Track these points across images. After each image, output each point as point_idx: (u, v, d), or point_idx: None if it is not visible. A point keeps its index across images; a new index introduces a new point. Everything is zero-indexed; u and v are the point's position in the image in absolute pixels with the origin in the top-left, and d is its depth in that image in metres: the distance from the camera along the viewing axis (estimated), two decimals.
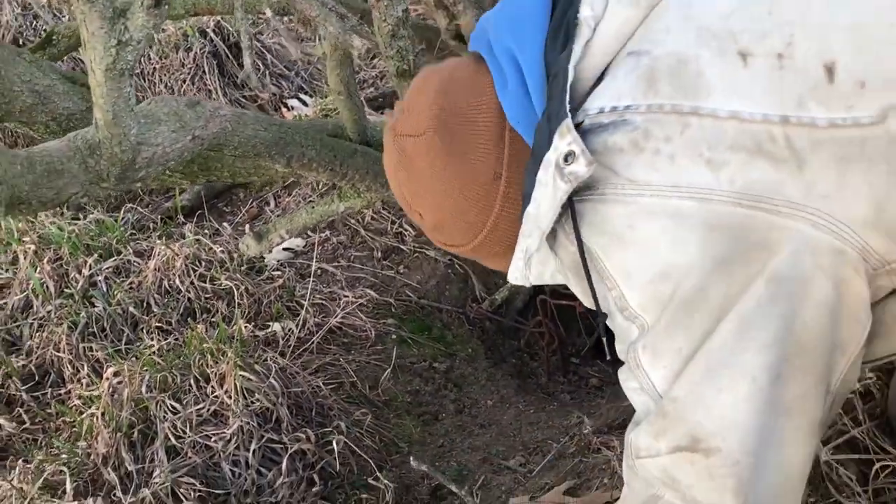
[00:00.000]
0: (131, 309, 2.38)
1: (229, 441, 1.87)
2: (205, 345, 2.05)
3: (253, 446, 1.87)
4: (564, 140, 0.86)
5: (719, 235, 0.82)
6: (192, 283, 2.43)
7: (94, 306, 2.39)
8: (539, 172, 0.90)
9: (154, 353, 2.13)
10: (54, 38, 2.05)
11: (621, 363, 0.95)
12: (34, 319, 2.42)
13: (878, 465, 1.43)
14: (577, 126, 0.88)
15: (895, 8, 0.81)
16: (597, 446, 1.90)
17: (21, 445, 2.13)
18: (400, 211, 2.77)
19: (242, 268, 2.54)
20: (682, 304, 0.84)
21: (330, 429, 1.98)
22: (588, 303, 0.98)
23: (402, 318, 2.50)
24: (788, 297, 0.81)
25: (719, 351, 0.84)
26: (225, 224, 2.90)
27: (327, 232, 2.79)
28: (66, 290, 2.47)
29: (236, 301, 2.38)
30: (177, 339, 2.25)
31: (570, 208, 0.89)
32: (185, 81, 3.45)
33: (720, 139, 0.82)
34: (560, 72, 0.90)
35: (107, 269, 2.51)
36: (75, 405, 2.13)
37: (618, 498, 1.04)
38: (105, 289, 2.46)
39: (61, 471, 1.85)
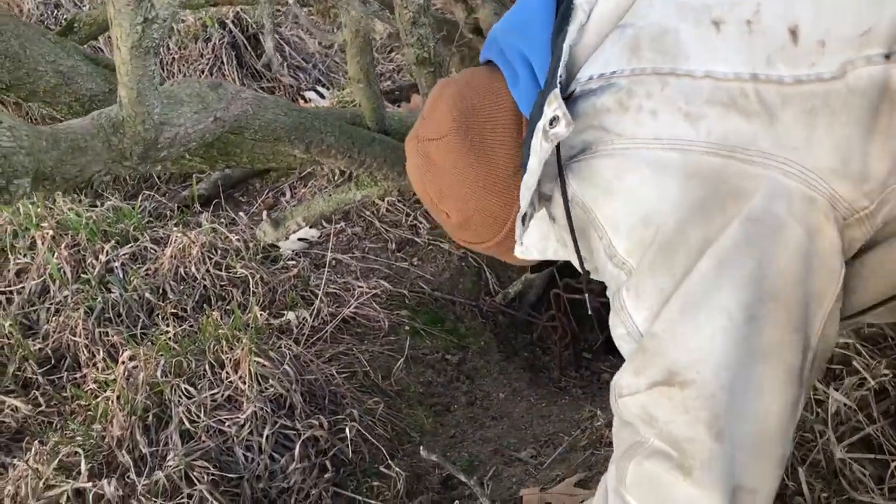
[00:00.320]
0: (147, 295, 2.40)
1: (243, 426, 1.88)
2: (220, 331, 2.07)
3: (266, 432, 1.88)
4: (551, 107, 0.94)
5: (698, 183, 0.89)
6: (207, 270, 2.44)
7: (111, 292, 2.42)
8: (532, 140, 0.98)
9: (169, 338, 2.14)
10: (76, 25, 2.06)
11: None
12: (51, 304, 2.44)
13: (894, 465, 1.43)
14: (570, 95, 0.97)
15: None
16: (608, 440, 1.90)
17: (37, 427, 2.15)
18: (415, 203, 2.77)
19: (258, 256, 2.56)
20: (664, 245, 0.91)
21: (343, 416, 1.98)
22: (578, 265, 1.06)
23: (416, 309, 2.51)
24: (763, 241, 0.87)
25: (697, 287, 0.89)
26: (241, 213, 2.92)
27: (342, 223, 2.80)
28: (82, 275, 2.49)
29: (251, 289, 2.39)
30: (192, 326, 2.27)
31: (558, 162, 0.97)
32: (203, 72, 3.46)
33: (697, 95, 0.90)
34: (557, 52, 0.99)
35: (123, 255, 2.53)
36: (91, 389, 2.15)
37: None
38: (121, 275, 2.48)
39: (76, 452, 1.86)
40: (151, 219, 2.85)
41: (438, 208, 1.15)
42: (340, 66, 3.79)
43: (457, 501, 1.82)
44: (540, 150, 0.96)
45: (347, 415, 1.99)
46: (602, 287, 1.05)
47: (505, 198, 1.09)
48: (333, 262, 2.59)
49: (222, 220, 2.83)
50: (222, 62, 3.50)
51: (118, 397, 1.95)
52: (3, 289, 2.50)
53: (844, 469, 1.48)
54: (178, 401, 1.92)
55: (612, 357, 2.56)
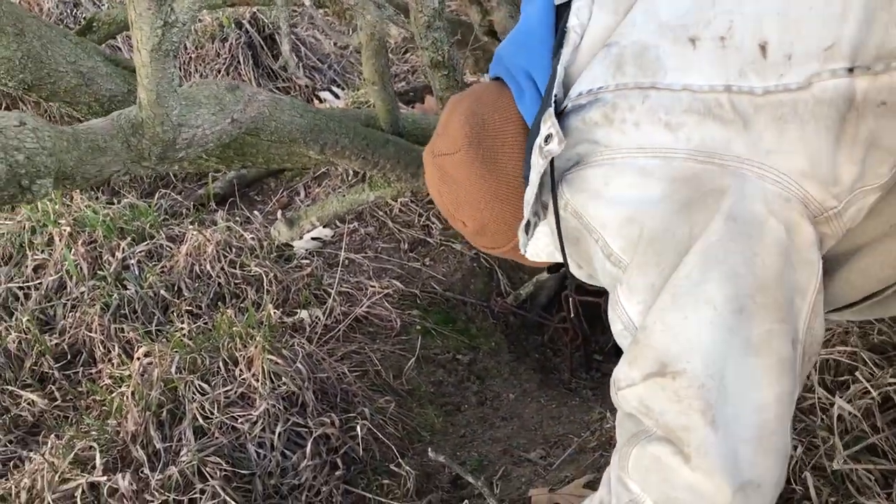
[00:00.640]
0: (162, 292, 2.43)
1: (255, 423, 1.90)
2: (234, 328, 2.09)
3: (278, 429, 1.89)
4: (546, 125, 1.02)
5: (680, 185, 0.96)
6: (222, 268, 2.47)
7: (126, 289, 2.44)
8: (531, 157, 1.05)
9: (184, 335, 2.17)
10: (94, 24, 2.09)
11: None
12: (68, 300, 2.48)
13: None
14: (562, 111, 1.05)
15: None
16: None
17: (53, 421, 2.18)
18: (427, 204, 2.79)
19: (272, 255, 2.58)
20: (651, 242, 0.97)
21: (354, 415, 2.00)
22: (575, 269, 1.16)
23: (427, 309, 2.52)
24: (745, 237, 0.93)
25: (684, 281, 0.94)
26: (256, 212, 2.94)
27: (355, 223, 2.82)
28: (99, 272, 2.52)
29: (265, 287, 2.41)
30: (206, 323, 2.29)
31: (551, 175, 1.05)
32: (220, 72, 3.49)
33: (676, 106, 0.97)
34: (553, 73, 1.07)
35: (139, 252, 2.56)
36: (106, 384, 2.17)
37: None
38: (137, 272, 2.51)
39: (91, 447, 1.88)
40: (167, 217, 2.87)
41: (456, 218, 1.23)
42: (356, 66, 3.81)
43: (466, 501, 1.83)
44: (537, 164, 1.04)
45: (359, 413, 2.01)
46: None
47: (517, 206, 1.15)
48: (346, 261, 2.61)
49: (237, 218, 2.86)
50: (239, 62, 3.53)
51: (133, 393, 1.97)
52: (20, 284, 2.53)
53: (851, 474, 1.48)
54: (192, 397, 1.95)
55: None
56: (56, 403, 2.23)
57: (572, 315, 2.45)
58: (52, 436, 2.00)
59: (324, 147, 1.64)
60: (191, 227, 2.65)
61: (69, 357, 2.36)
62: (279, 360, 1.99)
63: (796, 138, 0.92)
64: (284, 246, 2.65)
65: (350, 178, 2.93)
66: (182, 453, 1.85)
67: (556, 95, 1.05)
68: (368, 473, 1.94)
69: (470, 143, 1.14)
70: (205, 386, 1.97)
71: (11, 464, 2.04)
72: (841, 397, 1.54)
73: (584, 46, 1.07)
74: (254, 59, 3.57)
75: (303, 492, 1.85)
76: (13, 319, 2.41)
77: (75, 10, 3.71)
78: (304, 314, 2.33)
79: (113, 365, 2.24)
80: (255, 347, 1.99)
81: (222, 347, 2.05)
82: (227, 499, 1.76)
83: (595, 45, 1.07)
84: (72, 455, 1.86)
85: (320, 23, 1.88)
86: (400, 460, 1.95)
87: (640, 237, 0.98)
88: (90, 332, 2.35)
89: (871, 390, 1.52)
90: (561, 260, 1.17)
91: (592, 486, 1.77)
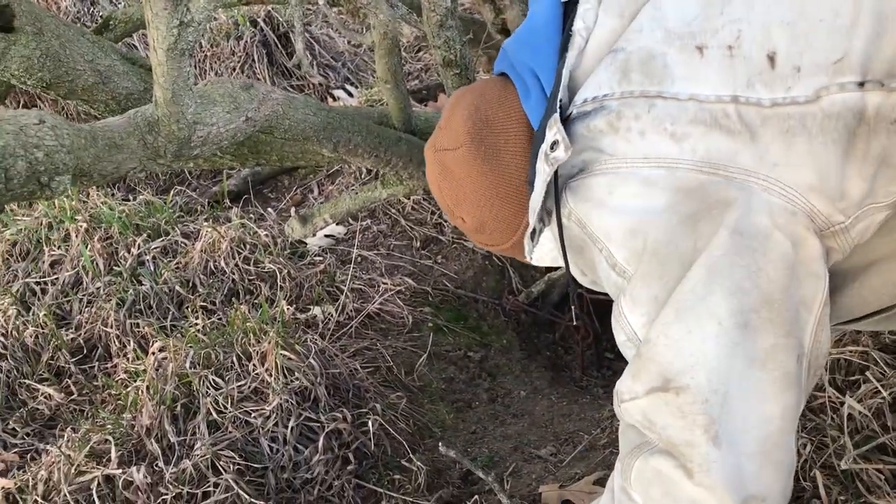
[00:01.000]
0: (177, 288, 2.46)
1: (268, 417, 1.92)
2: (247, 324, 2.11)
3: (291, 423, 1.91)
4: (552, 131, 1.00)
5: (684, 196, 0.94)
6: (236, 265, 2.49)
7: (142, 284, 2.47)
8: (537, 163, 1.04)
9: (198, 330, 2.19)
10: (111, 23, 2.11)
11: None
12: (84, 295, 2.51)
13: None
14: (567, 117, 1.03)
15: (822, 4, 0.92)
16: None
17: (69, 415, 2.21)
18: None
19: (285, 252, 2.60)
20: (655, 255, 0.95)
21: (366, 410, 2.02)
22: (579, 276, 1.15)
23: (439, 306, 2.53)
24: (750, 251, 0.91)
25: (689, 295, 0.93)
26: (269, 209, 2.96)
27: (368, 220, 2.83)
28: (115, 267, 2.55)
29: (279, 284, 2.44)
30: (220, 319, 2.31)
31: (554, 183, 1.03)
32: (234, 69, 3.52)
33: (681, 116, 0.95)
34: (558, 77, 1.05)
35: (155, 248, 2.59)
36: (121, 378, 2.20)
37: None
38: (152, 268, 2.53)
39: (106, 440, 1.91)
40: (182, 213, 2.90)
41: (455, 213, 1.22)
42: (369, 64, 3.83)
43: (476, 496, 1.85)
44: (542, 171, 1.03)
45: (370, 409, 2.02)
46: None
47: (517, 205, 1.14)
48: (359, 258, 2.62)
49: (251, 215, 2.88)
50: (253, 60, 3.56)
51: (148, 387, 2.00)
52: (37, 279, 2.57)
53: (861, 473, 1.48)
54: (206, 392, 1.97)
55: None
56: (72, 397, 2.26)
57: (581, 312, 2.48)
58: (69, 429, 2.03)
59: (337, 145, 1.66)
60: (205, 223, 2.68)
61: (85, 351, 2.39)
62: (292, 356, 2.01)
63: (804, 152, 0.90)
64: (298, 243, 2.67)
65: (363, 176, 2.95)
66: (196, 447, 1.87)
67: (560, 100, 1.03)
68: (380, 468, 1.96)
69: (472, 139, 1.13)
70: (219, 381, 1.99)
71: (29, 456, 2.07)
72: (851, 396, 1.54)
73: (590, 50, 1.05)
74: (268, 57, 3.60)
75: (315, 486, 1.87)
76: (30, 314, 2.44)
77: (92, 9, 3.74)
78: (316, 310, 2.35)
79: (128, 360, 2.26)
80: (269, 343, 2.01)
81: (236, 343, 2.07)
82: (241, 492, 1.78)
83: (601, 49, 1.05)
84: (87, 448, 1.88)
85: (334, 21, 1.89)
86: (411, 456, 1.96)
87: (645, 248, 0.96)
88: (106, 327, 2.38)
89: (882, 390, 1.52)
90: (554, 263, 1.16)
91: (602, 482, 1.78)
